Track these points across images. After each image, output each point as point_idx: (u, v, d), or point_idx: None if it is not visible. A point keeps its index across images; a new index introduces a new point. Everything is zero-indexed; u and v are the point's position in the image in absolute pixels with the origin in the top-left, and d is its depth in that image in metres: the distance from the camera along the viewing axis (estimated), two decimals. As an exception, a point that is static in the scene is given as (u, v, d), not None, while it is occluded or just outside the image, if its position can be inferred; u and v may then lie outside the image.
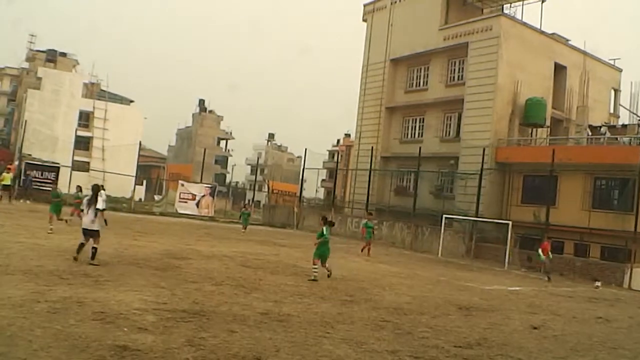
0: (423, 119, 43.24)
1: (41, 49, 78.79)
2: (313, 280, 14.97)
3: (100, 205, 13.88)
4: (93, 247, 13.75)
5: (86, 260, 13.49)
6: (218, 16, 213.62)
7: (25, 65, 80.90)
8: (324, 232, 15.83)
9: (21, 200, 35.68)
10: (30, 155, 44.07)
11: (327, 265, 15.87)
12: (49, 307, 8.91)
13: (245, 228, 33.83)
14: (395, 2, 45.56)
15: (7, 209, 28.39)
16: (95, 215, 13.80)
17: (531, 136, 39.07)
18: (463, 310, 13.36)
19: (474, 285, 18.94)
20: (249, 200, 61.19)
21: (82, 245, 13.83)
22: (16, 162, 45.10)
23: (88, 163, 52.26)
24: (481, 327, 11.36)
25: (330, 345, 8.64)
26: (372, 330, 10.01)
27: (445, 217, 31.93)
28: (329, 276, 15.58)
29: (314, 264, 15.53)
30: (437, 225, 32.36)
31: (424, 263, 26.21)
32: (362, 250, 26.18)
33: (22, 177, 38.82)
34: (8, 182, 34.53)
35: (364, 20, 48.96)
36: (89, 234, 13.81)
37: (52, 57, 74.75)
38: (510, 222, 29.85)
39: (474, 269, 26.00)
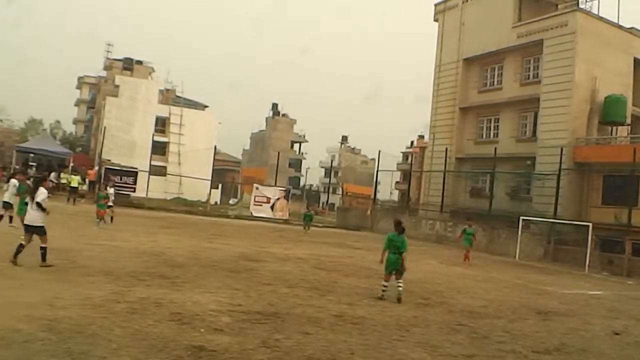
0: (498, 118, 42.55)
1: (118, 58, 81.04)
2: (380, 298, 12.54)
3: (39, 198, 12.30)
4: (41, 247, 12.20)
5: (160, 262, 13.69)
6: (286, 26, 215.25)
7: (103, 73, 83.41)
8: (393, 240, 12.89)
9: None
10: (109, 160, 45.26)
11: (400, 284, 12.68)
12: (127, 307, 9.16)
13: (307, 229, 34.03)
14: (467, 0, 44.98)
15: (86, 212, 29.24)
16: (41, 209, 12.29)
17: (611, 135, 37.92)
18: (541, 314, 13.08)
19: (552, 289, 18.52)
20: (319, 203, 60.93)
21: (21, 246, 12.08)
22: (96, 168, 46.53)
23: (165, 167, 53.31)
24: (560, 332, 11.10)
25: (404, 348, 8.60)
26: (447, 334, 9.92)
27: (522, 219, 31.29)
28: (398, 300, 12.40)
29: (385, 280, 12.86)
30: (514, 228, 31.75)
31: (500, 266, 25.78)
32: (464, 260, 24.81)
33: (102, 182, 39.95)
34: (75, 184, 35.71)
35: (435, 20, 48.47)
36: (33, 230, 12.26)
37: (129, 65, 76.72)
38: (590, 224, 28.89)
39: (552, 272, 25.41)
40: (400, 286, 12.57)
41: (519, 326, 11.38)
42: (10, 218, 18.51)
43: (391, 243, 12.83)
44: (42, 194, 12.41)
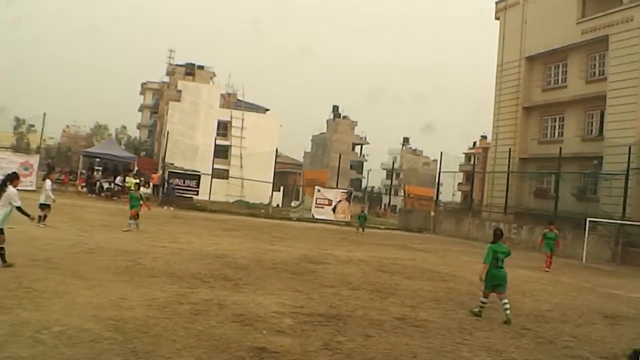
0: (563, 117, 41.66)
1: (180, 63, 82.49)
2: (476, 315, 11.36)
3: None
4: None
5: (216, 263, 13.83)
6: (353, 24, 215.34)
7: (166, 79, 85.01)
8: (494, 251, 11.54)
9: (165, 207, 37.45)
10: (172, 164, 46.03)
11: (506, 303, 11.24)
12: (191, 308, 9.31)
13: (361, 229, 33.91)
14: (529, -3, 44.21)
15: (148, 215, 29.82)
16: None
17: (682, 132, 36.68)
18: (609, 319, 12.73)
19: (620, 293, 17.98)
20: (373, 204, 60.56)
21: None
22: (160, 171, 47.40)
23: (227, 171, 53.99)
24: (629, 338, 10.78)
25: (468, 352, 8.52)
26: (511, 338, 9.78)
27: (589, 221, 30.48)
28: (505, 322, 10.95)
29: (484, 295, 11.52)
30: (580, 229, 30.96)
31: (566, 269, 25.18)
32: (546, 267, 23.14)
33: (166, 185, 40.71)
34: (133, 187, 36.45)
35: (497, 18, 47.76)
36: None
37: (191, 70, 78.05)
38: (661, 225, 27.99)
39: (620, 275, 24.68)
40: (506, 306, 11.17)
41: (586, 331, 11.12)
42: (44, 217, 19.15)
43: (495, 255, 11.43)
44: (13, 194, 11.47)
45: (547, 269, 22.71)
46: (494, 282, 11.33)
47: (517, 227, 37.02)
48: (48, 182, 20.07)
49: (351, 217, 44.44)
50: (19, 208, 11.50)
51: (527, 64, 44.09)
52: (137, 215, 21.13)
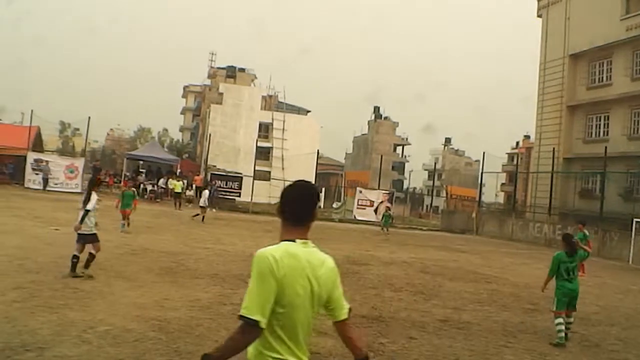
0: (608, 116, 40.91)
1: (221, 66, 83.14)
2: (557, 344, 9.26)
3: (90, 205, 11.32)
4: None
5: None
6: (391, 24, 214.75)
7: (208, 82, 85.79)
8: (565, 263, 9.83)
9: (208, 209, 37.80)
10: (215, 166, 46.46)
11: (571, 321, 9.93)
12: (233, 309, 9.34)
13: (386, 230, 33.71)
14: (571, -6, 43.58)
15: (187, 216, 30.11)
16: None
17: None
18: (657, 322, 12.47)
19: (669, 295, 17.62)
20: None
21: (76, 258, 11.14)
22: (202, 174, 47.86)
23: (269, 172, 54.19)
24: (677, 340, 10.55)
25: (512, 355, 8.44)
26: (556, 341, 9.61)
27: (637, 221, 29.88)
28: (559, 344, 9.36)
29: (557, 316, 9.59)
30: (627, 230, 30.33)
31: (612, 271, 24.75)
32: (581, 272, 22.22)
33: (209, 187, 41.07)
34: (179, 189, 36.90)
35: (539, 15, 47.20)
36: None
37: (232, 73, 78.57)
38: None
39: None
40: (570, 324, 9.87)
41: (634, 334, 10.91)
42: None
43: (564, 266, 9.77)
44: (93, 199, 11.39)
45: (581, 274, 21.70)
46: (570, 295, 9.75)
47: (561, 228, 36.37)
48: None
49: (394, 218, 44.37)
50: (87, 211, 11.18)
51: (570, 62, 43.41)
52: (129, 215, 20.03)
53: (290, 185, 3.42)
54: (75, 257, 10.98)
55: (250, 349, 3.07)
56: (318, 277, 3.22)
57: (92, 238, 11.25)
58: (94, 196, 11.41)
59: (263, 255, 3.16)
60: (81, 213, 11.19)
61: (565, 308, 9.70)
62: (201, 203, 28.59)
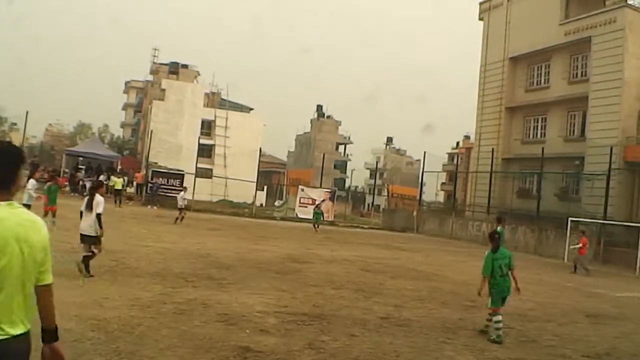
0: (545, 118, 41.94)
1: (164, 62, 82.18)
2: (496, 342, 9.31)
3: (99, 209, 11.66)
4: (93, 252, 11.70)
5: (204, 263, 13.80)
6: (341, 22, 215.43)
7: (150, 78, 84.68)
8: (497, 259, 9.85)
9: (148, 206, 37.35)
10: (156, 163, 45.80)
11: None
12: (174, 308, 9.29)
13: (316, 227, 33.79)
14: (512, -2, 44.44)
15: (134, 214, 29.68)
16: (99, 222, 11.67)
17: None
18: (591, 318, 12.84)
19: (603, 292, 18.12)
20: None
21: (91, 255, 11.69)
22: (143, 170, 47.20)
23: (211, 170, 53.71)
24: (611, 337, 10.88)
25: (451, 351, 8.56)
26: (495, 337, 9.78)
27: (571, 220, 30.64)
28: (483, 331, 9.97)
29: (495, 313, 9.62)
30: (563, 229, 31.12)
31: (549, 268, 25.37)
32: None
33: (149, 184, 40.56)
34: (119, 186, 36.41)
35: (480, 19, 48.05)
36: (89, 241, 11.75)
37: (175, 69, 77.70)
38: (642, 225, 28.16)
39: (602, 274, 24.82)
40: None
41: (569, 330, 11.20)
42: None
43: (496, 263, 9.75)
44: (100, 203, 11.69)
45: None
46: (504, 293, 9.79)
47: (500, 227, 37.13)
48: (32, 181, 19.61)
49: (335, 216, 44.55)
50: (99, 215, 11.53)
51: (510, 65, 44.36)
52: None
53: None
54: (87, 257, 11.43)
55: None
56: (28, 239, 3.01)
57: (93, 240, 11.60)
58: (101, 199, 11.77)
59: None
60: (92, 217, 11.50)
61: (503, 304, 9.82)
62: (179, 204, 28.24)
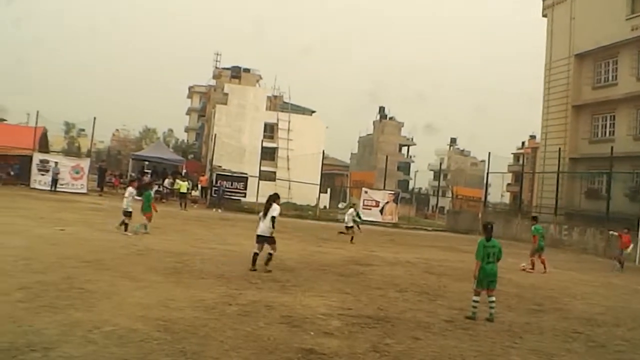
0: (614, 116, 40.76)
1: (226, 67, 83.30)
2: (470, 318, 10.65)
3: (275, 213, 13.94)
4: (270, 254, 14.04)
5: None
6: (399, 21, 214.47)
7: (213, 82, 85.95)
8: (487, 247, 11.13)
9: (214, 210, 37.85)
10: (220, 166, 46.42)
11: (493, 300, 10.97)
12: (239, 310, 9.38)
13: (356, 228, 32.31)
14: (577, -6, 43.44)
15: (199, 216, 30.11)
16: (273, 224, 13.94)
17: None
18: (664, 322, 12.41)
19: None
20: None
21: (256, 255, 14.01)
22: (208, 174, 47.90)
23: (274, 173, 54.14)
24: (684, 341, 10.49)
25: (517, 356, 8.41)
26: (562, 341, 9.60)
27: (643, 221, 29.76)
28: (489, 319, 10.64)
29: (475, 294, 11.01)
30: (634, 230, 30.24)
31: (619, 271, 24.66)
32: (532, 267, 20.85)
33: (214, 188, 41.13)
34: (184, 190, 36.96)
35: (544, 15, 47.07)
36: (265, 240, 14.06)
37: (237, 73, 78.78)
38: None
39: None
40: (493, 303, 10.86)
41: (639, 334, 10.86)
42: (126, 226, 18.59)
43: (485, 251, 11.02)
44: (275, 209, 13.85)
45: (531, 270, 20.46)
46: (488, 278, 10.89)
47: (568, 228, 36.32)
48: (130, 189, 19.76)
49: (399, 218, 44.30)
50: (273, 218, 13.81)
51: (576, 62, 43.29)
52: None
53: None
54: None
55: None
56: None
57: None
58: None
59: None
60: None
61: (486, 288, 10.90)
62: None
